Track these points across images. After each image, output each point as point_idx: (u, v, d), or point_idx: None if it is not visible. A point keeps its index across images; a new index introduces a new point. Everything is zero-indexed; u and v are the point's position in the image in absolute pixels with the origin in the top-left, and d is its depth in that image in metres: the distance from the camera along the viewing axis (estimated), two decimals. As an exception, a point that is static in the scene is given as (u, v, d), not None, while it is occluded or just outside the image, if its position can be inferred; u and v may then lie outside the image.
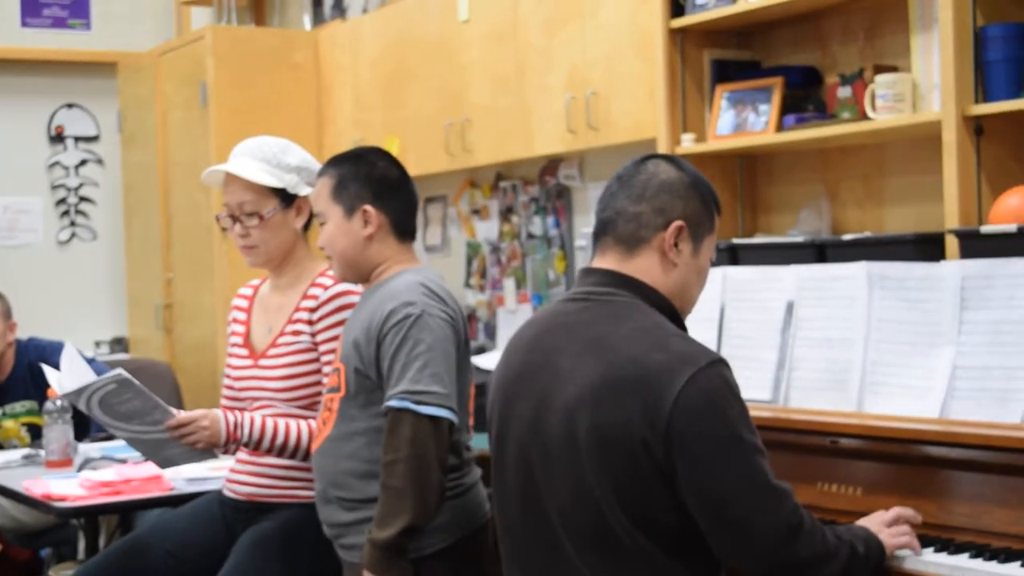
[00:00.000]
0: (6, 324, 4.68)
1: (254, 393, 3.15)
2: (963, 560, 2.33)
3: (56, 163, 7.20)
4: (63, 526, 4.58)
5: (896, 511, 2.43)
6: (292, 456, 3.03)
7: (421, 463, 2.61)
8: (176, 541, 3.18)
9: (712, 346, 2.99)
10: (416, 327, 2.68)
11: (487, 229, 5.61)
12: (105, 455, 3.88)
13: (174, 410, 3.02)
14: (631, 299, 2.29)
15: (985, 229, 2.99)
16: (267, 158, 3.14)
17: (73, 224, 7.22)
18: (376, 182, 2.86)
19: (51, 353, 4.38)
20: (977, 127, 3.24)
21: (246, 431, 3.00)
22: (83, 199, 7.25)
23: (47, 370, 3.12)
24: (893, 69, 3.53)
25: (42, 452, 3.99)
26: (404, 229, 2.91)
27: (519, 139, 4.89)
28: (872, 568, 2.32)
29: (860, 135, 3.61)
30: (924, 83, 3.39)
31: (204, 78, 6.13)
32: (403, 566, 2.62)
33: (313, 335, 3.06)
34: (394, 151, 5.44)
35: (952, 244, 3.13)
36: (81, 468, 3.76)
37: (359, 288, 2.98)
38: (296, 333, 3.08)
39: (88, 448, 4.05)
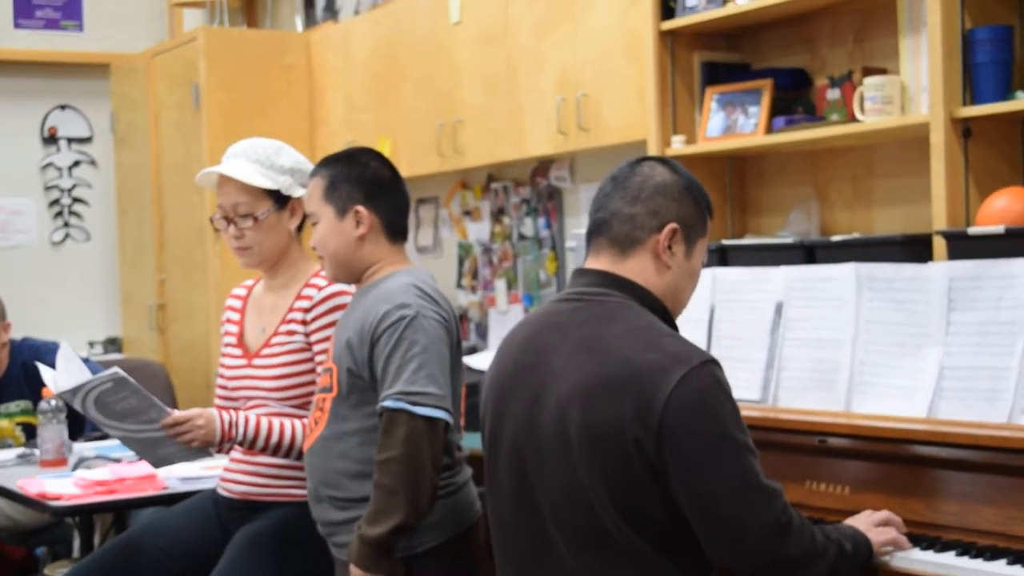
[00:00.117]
0: (0, 324, 4.68)
1: (248, 392, 3.16)
2: (950, 558, 2.34)
3: (49, 164, 7.19)
4: (58, 525, 4.58)
5: (886, 513, 2.44)
6: (286, 455, 3.04)
7: (415, 463, 2.61)
8: (170, 539, 3.18)
9: (702, 346, 3.00)
10: (411, 329, 2.69)
11: (478, 230, 5.61)
12: (100, 454, 3.88)
13: (169, 409, 3.03)
14: (624, 300, 2.30)
15: (972, 230, 3.00)
16: (261, 160, 3.14)
17: (67, 225, 7.21)
18: (368, 183, 2.87)
19: (45, 353, 4.38)
20: (965, 129, 3.25)
21: (241, 430, 3.00)
22: (76, 200, 7.24)
23: (42, 369, 3.12)
24: (882, 71, 3.54)
25: (37, 451, 3.99)
26: (396, 230, 2.91)
27: (510, 140, 4.89)
28: (860, 565, 2.33)
29: (849, 137, 3.62)
30: (912, 85, 3.40)
31: (196, 79, 6.12)
32: (391, 564, 2.63)
33: (307, 335, 3.07)
34: (386, 152, 5.44)
35: (940, 245, 3.14)
36: (76, 467, 3.76)
37: (352, 288, 2.98)
38: (290, 333, 3.09)
39: (82, 447, 4.06)
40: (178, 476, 3.48)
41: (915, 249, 3.16)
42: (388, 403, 2.65)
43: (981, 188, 3.23)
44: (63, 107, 7.23)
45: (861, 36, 3.77)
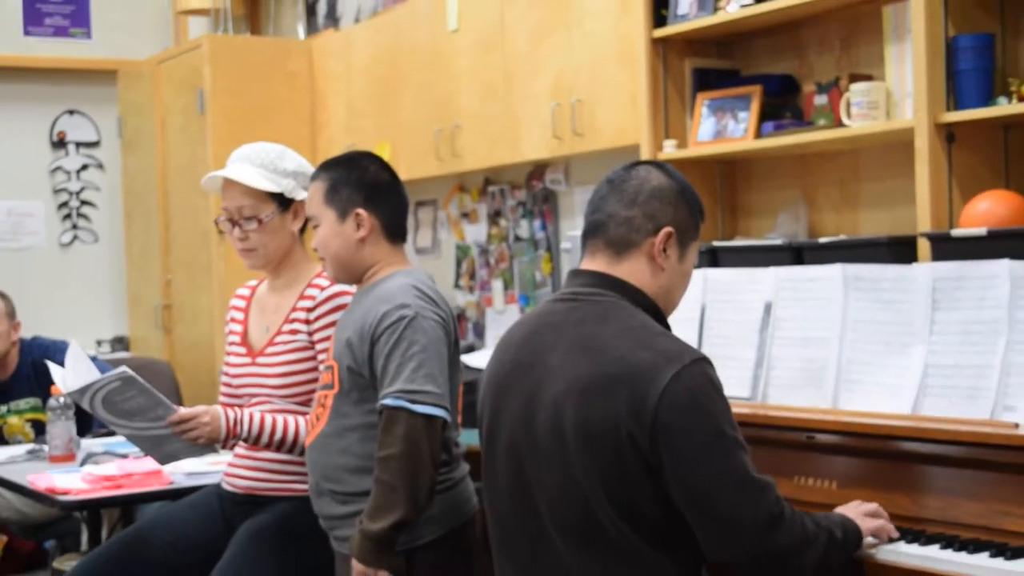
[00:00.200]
0: (10, 324, 4.68)
1: (252, 390, 3.15)
2: (934, 551, 2.34)
3: (58, 168, 7.18)
4: (66, 519, 4.58)
5: (875, 505, 2.44)
6: (290, 451, 3.04)
7: (414, 459, 2.61)
8: (176, 533, 3.18)
9: (693, 345, 3.00)
10: (410, 329, 2.69)
11: (476, 232, 5.61)
12: (107, 450, 3.87)
13: (176, 406, 3.03)
14: (618, 300, 2.30)
15: (956, 232, 3.00)
16: (264, 164, 3.14)
17: (75, 227, 7.21)
18: (368, 186, 2.86)
19: (54, 352, 4.38)
20: (948, 134, 3.25)
21: (245, 427, 3.00)
22: (84, 203, 7.24)
23: (52, 367, 3.12)
24: (868, 78, 3.54)
25: (46, 447, 3.98)
26: (395, 231, 2.91)
27: (507, 145, 4.89)
28: (850, 551, 2.34)
29: (836, 142, 3.62)
30: (897, 91, 3.41)
31: (201, 85, 6.12)
32: (392, 558, 2.63)
33: (310, 334, 3.07)
34: (385, 156, 5.44)
35: (924, 247, 3.14)
36: (84, 463, 3.76)
37: (353, 289, 2.98)
38: (293, 332, 3.09)
39: (90, 443, 4.05)
40: (183, 471, 3.48)
41: (900, 250, 3.16)
42: (388, 401, 2.65)
43: (964, 191, 3.23)
44: (72, 112, 7.22)
45: (847, 43, 3.77)
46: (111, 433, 4.25)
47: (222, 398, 3.28)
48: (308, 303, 3.08)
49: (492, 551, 2.42)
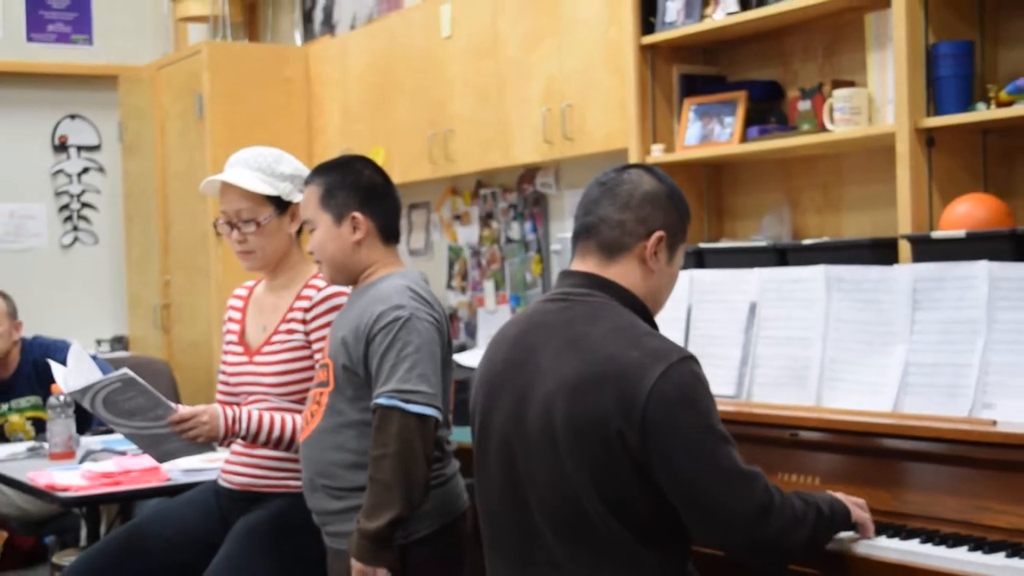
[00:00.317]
0: (12, 323, 4.67)
1: (249, 388, 3.15)
2: (914, 545, 2.34)
3: (60, 171, 7.17)
4: (66, 515, 4.57)
5: (863, 501, 2.44)
6: (287, 448, 3.03)
7: (408, 458, 2.61)
8: (173, 529, 3.17)
9: (680, 344, 3.00)
10: (405, 329, 2.68)
11: (468, 234, 5.61)
12: (106, 447, 3.87)
13: (176, 405, 3.02)
14: (607, 300, 2.30)
15: (936, 234, 3.00)
16: (262, 167, 3.13)
17: (76, 229, 7.20)
18: (363, 189, 2.86)
19: (55, 351, 4.37)
20: (928, 139, 3.25)
21: (244, 425, 2.99)
22: (85, 205, 7.23)
23: (54, 366, 3.11)
24: (850, 84, 3.55)
25: (46, 445, 3.97)
26: (390, 233, 2.90)
27: (498, 149, 4.89)
28: (837, 528, 2.34)
29: (819, 146, 3.62)
30: (879, 97, 3.41)
31: (200, 91, 6.11)
32: (389, 556, 2.62)
33: (307, 334, 3.06)
34: (380, 160, 5.44)
35: (905, 248, 3.14)
36: (83, 460, 3.75)
37: (350, 289, 2.97)
38: (290, 332, 3.08)
39: (89, 441, 4.05)
40: (181, 468, 3.47)
41: (882, 252, 3.16)
42: (382, 400, 2.65)
43: (944, 194, 3.23)
44: (73, 116, 7.21)
45: (831, 51, 3.77)
46: (110, 431, 4.24)
47: (219, 396, 3.27)
48: (305, 303, 3.08)
49: (484, 547, 2.42)
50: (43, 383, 4.33)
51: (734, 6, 3.71)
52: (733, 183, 4.12)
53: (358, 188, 2.85)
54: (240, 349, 3.20)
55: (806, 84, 3.74)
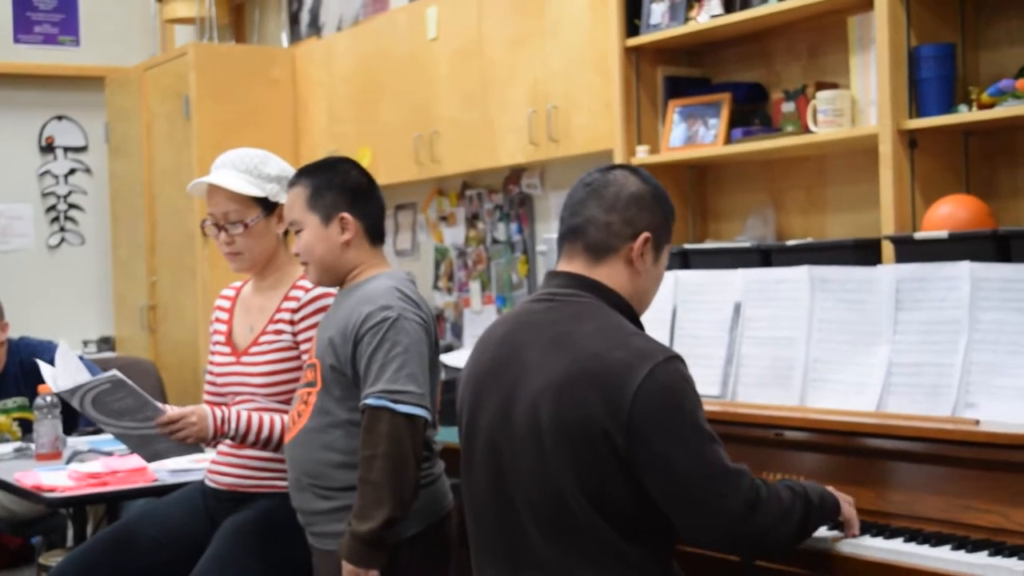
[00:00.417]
0: (-1, 324, 4.64)
1: (236, 388, 3.13)
2: (898, 544, 2.34)
3: (46, 172, 7.14)
4: (53, 515, 4.54)
5: (851, 499, 2.44)
6: (275, 449, 3.02)
7: (398, 458, 2.60)
8: (160, 529, 3.15)
9: (665, 344, 2.99)
10: (393, 330, 2.67)
11: (454, 235, 5.60)
12: (92, 448, 3.85)
13: (164, 407, 3.00)
14: (593, 300, 2.30)
15: (918, 235, 3.01)
16: (249, 169, 3.12)
17: (63, 230, 7.17)
18: (350, 190, 2.85)
19: (42, 352, 4.34)
20: (911, 140, 3.26)
21: (233, 425, 2.98)
22: (72, 206, 7.20)
23: (43, 366, 3.10)
24: (833, 86, 3.55)
25: (33, 445, 3.95)
26: (376, 233, 2.90)
27: (484, 150, 4.88)
28: (826, 518, 2.35)
29: (803, 147, 3.63)
30: (862, 99, 3.42)
31: (187, 92, 6.09)
32: (382, 557, 2.61)
33: (294, 334, 3.05)
34: (366, 162, 5.43)
35: (888, 249, 3.15)
36: (70, 460, 3.73)
37: (337, 290, 2.96)
38: (278, 332, 3.07)
39: (76, 441, 4.03)
40: (168, 468, 3.45)
41: (865, 253, 3.16)
42: (371, 401, 2.64)
43: (926, 196, 3.24)
44: (60, 118, 7.18)
45: (814, 53, 3.78)
46: (97, 432, 4.23)
47: (206, 396, 3.26)
48: (293, 304, 3.07)
49: (470, 545, 2.42)
50: (30, 384, 4.30)
51: (718, 8, 3.72)
52: (717, 184, 4.12)
53: (345, 189, 2.84)
54: (227, 350, 3.18)
55: (790, 86, 3.75)
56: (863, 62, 3.40)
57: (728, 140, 3.76)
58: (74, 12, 7.19)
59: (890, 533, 2.40)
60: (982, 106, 3.15)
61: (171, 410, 2.99)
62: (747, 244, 3.49)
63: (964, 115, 3.15)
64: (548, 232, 4.66)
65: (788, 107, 3.65)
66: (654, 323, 3.09)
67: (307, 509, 2.80)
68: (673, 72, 4.05)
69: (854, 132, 3.40)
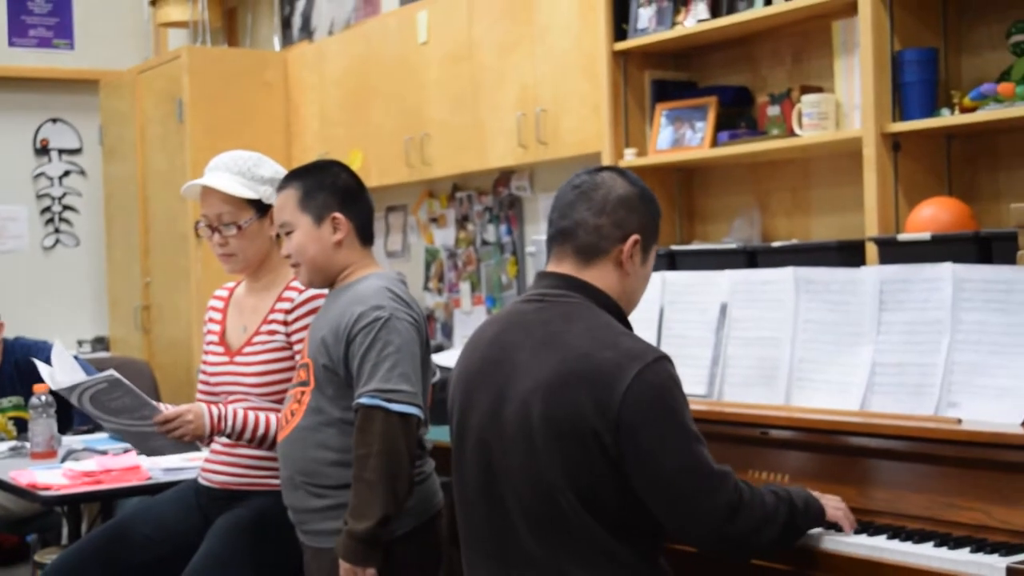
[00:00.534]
0: (-6, 325, 4.63)
1: (229, 388, 3.13)
2: (881, 541, 2.35)
3: (41, 174, 7.13)
4: (48, 513, 4.53)
5: (838, 498, 2.45)
6: (271, 447, 3.01)
7: (392, 457, 2.60)
8: (154, 527, 3.15)
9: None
10: (385, 329, 2.67)
11: (444, 236, 5.60)
12: (87, 446, 3.84)
13: (161, 406, 3.00)
14: (582, 301, 2.30)
15: (902, 237, 3.01)
16: (242, 171, 3.11)
17: (57, 231, 7.15)
18: (341, 191, 2.85)
19: (37, 352, 4.34)
20: (895, 143, 3.27)
21: (229, 423, 2.97)
22: (67, 208, 7.19)
23: (40, 365, 3.10)
24: (818, 90, 3.56)
25: (28, 444, 3.94)
26: (366, 234, 2.90)
27: (474, 153, 4.88)
28: (811, 523, 2.35)
29: (788, 150, 3.63)
30: (846, 103, 3.42)
31: (180, 95, 6.08)
32: (378, 555, 2.61)
33: (288, 335, 3.05)
34: (357, 164, 5.43)
35: (872, 251, 3.15)
36: (64, 459, 3.72)
37: (328, 291, 2.96)
38: (271, 333, 3.06)
39: (71, 440, 4.02)
40: (161, 467, 3.45)
41: (849, 254, 3.17)
42: (364, 400, 2.63)
43: (909, 198, 3.25)
44: (55, 120, 7.17)
45: (799, 57, 3.78)
46: (91, 431, 4.22)
47: (199, 396, 3.25)
48: (286, 305, 3.06)
49: (461, 543, 2.42)
50: (25, 383, 4.30)
51: (705, 13, 3.72)
52: (704, 187, 4.12)
53: (336, 189, 2.84)
54: (221, 350, 3.18)
55: (775, 90, 3.75)
56: (847, 66, 3.41)
57: (714, 143, 3.76)
58: (68, 16, 7.18)
59: (874, 530, 2.40)
60: (964, 110, 3.15)
61: (167, 410, 2.99)
62: (733, 246, 3.50)
63: (947, 119, 3.16)
64: (537, 234, 4.66)
65: (773, 110, 3.66)
66: (641, 323, 3.09)
67: (300, 507, 2.79)
68: (660, 76, 4.05)
69: (838, 135, 3.40)
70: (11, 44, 7.01)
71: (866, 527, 2.42)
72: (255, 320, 3.12)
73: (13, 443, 4.14)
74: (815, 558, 2.38)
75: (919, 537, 2.33)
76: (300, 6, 6.71)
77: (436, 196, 5.63)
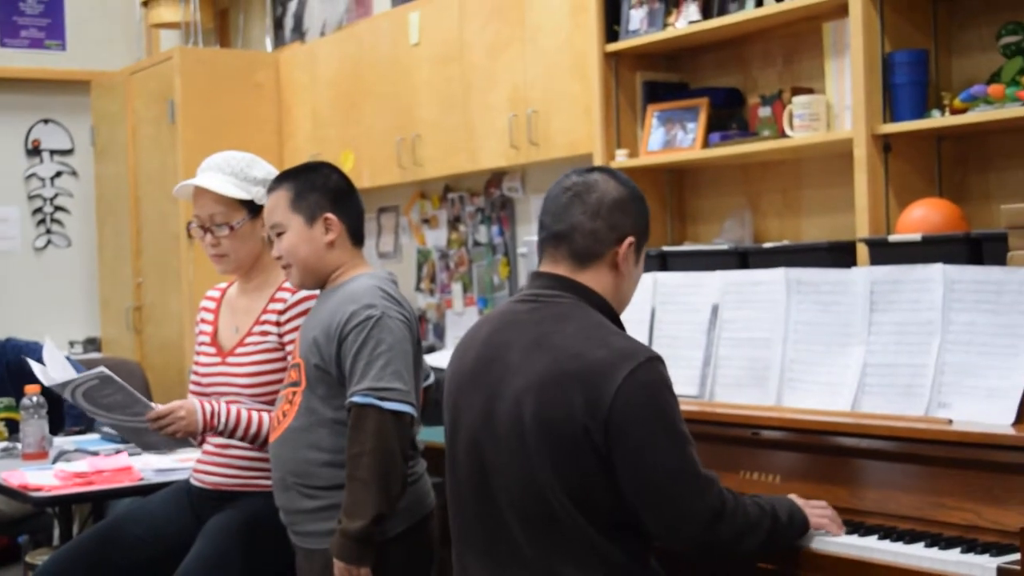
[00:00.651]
0: (-15, 326, 4.62)
1: (221, 389, 3.12)
2: (872, 541, 2.35)
3: (33, 175, 7.11)
4: (39, 514, 4.52)
5: (824, 503, 2.45)
6: (263, 445, 3.01)
7: (385, 455, 2.59)
8: (146, 527, 3.14)
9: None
10: (377, 328, 2.67)
11: (436, 237, 5.60)
12: (79, 448, 3.83)
13: (153, 404, 2.99)
14: (576, 301, 2.30)
15: (892, 238, 3.02)
16: (235, 172, 3.11)
17: (49, 232, 7.14)
18: (333, 191, 2.85)
19: (28, 353, 4.31)
20: (885, 144, 3.27)
21: (222, 419, 2.97)
22: (58, 208, 7.17)
23: (33, 364, 3.09)
24: (809, 91, 3.56)
25: (19, 445, 3.93)
26: (358, 235, 2.89)
27: (465, 154, 4.88)
28: (795, 535, 2.35)
29: (779, 151, 3.63)
30: (837, 104, 3.42)
31: (172, 96, 6.07)
32: (372, 554, 2.61)
33: (280, 335, 3.04)
34: (348, 166, 5.43)
35: (863, 252, 3.16)
36: (56, 460, 3.71)
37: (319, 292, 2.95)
38: (263, 334, 3.06)
39: (62, 441, 4.01)
40: (153, 468, 3.44)
41: (840, 255, 3.17)
42: (357, 399, 2.63)
43: (900, 199, 3.25)
44: (46, 121, 7.15)
45: (790, 58, 3.79)
46: (83, 432, 4.21)
47: (191, 397, 3.24)
48: (279, 306, 3.06)
49: (453, 543, 2.41)
50: (16, 384, 4.28)
51: (696, 15, 3.72)
52: (695, 188, 4.12)
53: (328, 190, 2.84)
54: (212, 350, 3.17)
55: (766, 91, 3.75)
56: (838, 67, 3.41)
57: (706, 144, 3.76)
58: (60, 16, 7.16)
59: (864, 530, 2.40)
60: (955, 111, 3.16)
61: (159, 407, 2.98)
62: (724, 246, 3.50)
63: (937, 120, 3.16)
64: (529, 234, 4.66)
65: (764, 112, 3.66)
66: (633, 324, 3.09)
67: (291, 508, 2.79)
68: (652, 77, 4.05)
69: (829, 136, 3.41)
70: (3, 45, 6.99)
71: (857, 527, 2.42)
72: (247, 321, 3.12)
73: (4, 444, 4.13)
74: (806, 558, 2.38)
75: (910, 537, 2.33)
76: (292, 7, 6.70)
77: (428, 197, 5.63)
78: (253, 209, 3.11)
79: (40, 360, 3.09)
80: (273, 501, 2.86)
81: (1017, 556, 2.14)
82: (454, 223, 5.46)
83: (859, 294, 2.76)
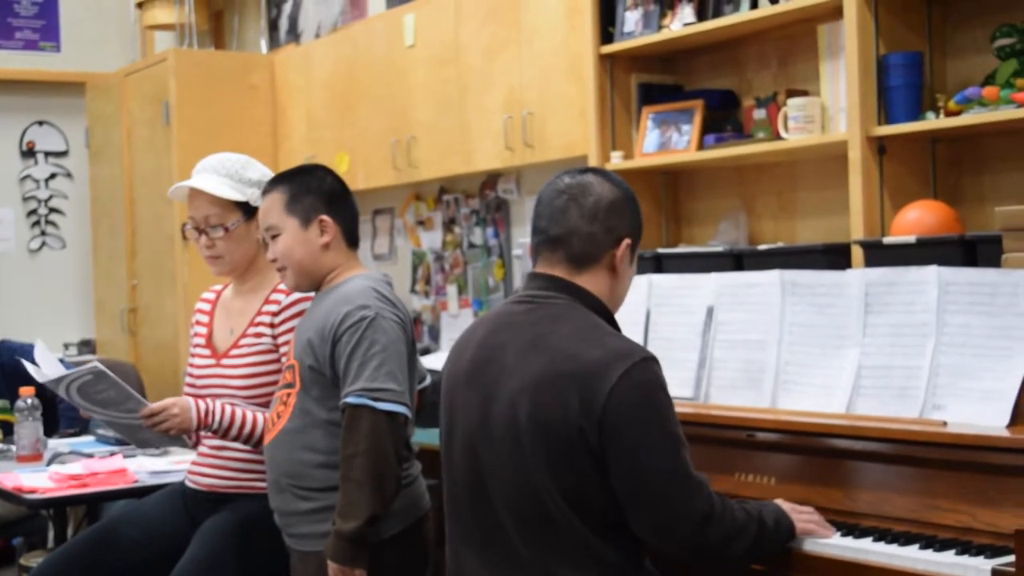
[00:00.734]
0: (-21, 328, 4.61)
1: (215, 391, 3.12)
2: (867, 543, 2.35)
3: (27, 176, 7.10)
4: (33, 517, 4.51)
5: (811, 509, 2.45)
6: (257, 445, 3.00)
7: (379, 456, 2.59)
8: (140, 530, 3.13)
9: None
10: (371, 329, 2.67)
11: (431, 239, 5.59)
12: (73, 450, 3.83)
13: (146, 401, 2.99)
14: (571, 302, 2.31)
15: (887, 240, 3.02)
16: (230, 173, 3.10)
17: (43, 233, 7.13)
18: (328, 194, 2.85)
19: (23, 354, 4.31)
20: (880, 147, 3.27)
21: (216, 417, 2.96)
22: (53, 210, 7.16)
23: (27, 363, 3.09)
24: (804, 93, 3.56)
25: (13, 447, 3.93)
26: (352, 237, 2.89)
27: (461, 156, 4.88)
28: (782, 540, 2.35)
29: (774, 153, 3.63)
30: (832, 106, 3.43)
31: (167, 98, 6.06)
32: (366, 555, 2.60)
33: (275, 337, 3.04)
34: (343, 168, 5.42)
35: (857, 253, 3.16)
36: (50, 462, 3.71)
37: (314, 293, 2.95)
38: (258, 335, 3.05)
39: (57, 443, 4.00)
40: (148, 470, 3.44)
41: (835, 257, 3.18)
42: (351, 399, 2.63)
43: (895, 201, 3.25)
44: (41, 123, 7.15)
45: (785, 60, 3.79)
46: (77, 434, 4.21)
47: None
48: (273, 307, 3.06)
49: (449, 544, 2.41)
50: (10, 386, 4.27)
51: (691, 17, 3.72)
52: (690, 190, 4.13)
53: (323, 192, 2.84)
54: (207, 352, 3.17)
55: (761, 93, 3.76)
56: (833, 70, 3.41)
57: (700, 146, 3.77)
58: (55, 18, 7.16)
59: (859, 533, 2.40)
60: (949, 113, 3.16)
61: (152, 404, 2.98)
62: (719, 248, 3.50)
63: (932, 122, 3.17)
64: (524, 236, 4.65)
65: (759, 114, 3.66)
66: (628, 326, 3.09)
67: (286, 510, 2.78)
68: (647, 79, 4.06)
69: (824, 139, 3.41)
70: (-3, 46, 6.99)
71: (851, 529, 2.42)
72: (242, 323, 3.11)
73: (-1, 446, 4.13)
74: (800, 561, 2.37)
75: (904, 539, 2.33)
76: (287, 9, 6.70)
77: (423, 199, 5.63)
78: (248, 211, 3.11)
79: (33, 362, 3.10)
80: (268, 503, 2.86)
81: (1012, 558, 2.14)
82: (449, 225, 5.46)
83: (854, 296, 2.76)
